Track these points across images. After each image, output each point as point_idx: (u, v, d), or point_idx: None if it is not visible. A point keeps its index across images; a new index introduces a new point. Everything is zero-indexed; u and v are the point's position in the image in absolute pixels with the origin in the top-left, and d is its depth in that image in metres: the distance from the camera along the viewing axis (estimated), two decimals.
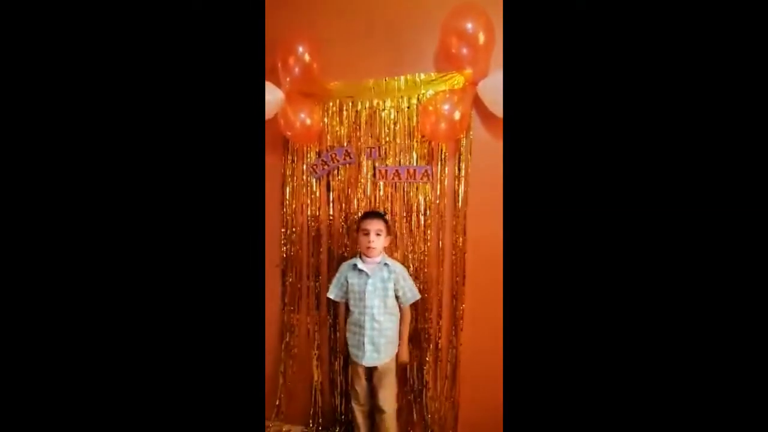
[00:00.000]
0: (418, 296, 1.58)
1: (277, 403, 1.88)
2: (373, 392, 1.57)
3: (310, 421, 1.85)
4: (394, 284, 1.53)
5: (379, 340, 1.50)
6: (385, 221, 1.55)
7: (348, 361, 1.66)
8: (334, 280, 1.62)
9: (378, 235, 1.50)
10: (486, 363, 1.62)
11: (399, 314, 1.57)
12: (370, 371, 1.55)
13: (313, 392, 1.85)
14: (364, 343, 1.50)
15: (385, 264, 1.53)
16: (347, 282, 1.56)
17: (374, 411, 1.58)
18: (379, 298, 1.51)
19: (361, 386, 1.58)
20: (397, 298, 1.55)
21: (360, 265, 1.53)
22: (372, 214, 1.56)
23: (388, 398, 1.54)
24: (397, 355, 1.56)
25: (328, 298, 1.63)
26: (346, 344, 1.59)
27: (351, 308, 1.56)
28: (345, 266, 1.60)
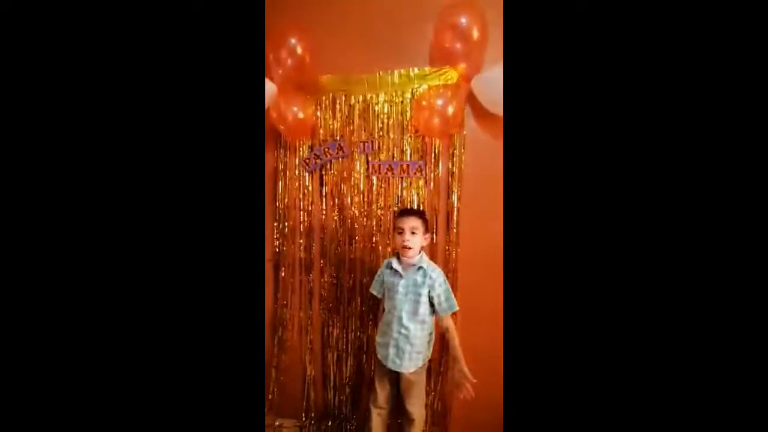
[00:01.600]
0: (456, 307, 1.43)
1: (269, 397, 1.89)
2: (400, 399, 1.51)
3: (303, 415, 1.86)
4: (429, 290, 1.41)
5: (405, 346, 1.41)
6: (423, 218, 1.44)
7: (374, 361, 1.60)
8: (376, 275, 1.56)
9: (413, 233, 1.38)
10: (477, 359, 1.63)
11: (431, 323, 1.46)
12: (396, 376, 1.48)
13: (306, 386, 1.86)
14: (388, 344, 1.43)
15: (421, 267, 1.41)
16: (384, 279, 1.50)
17: (401, 416, 1.53)
18: (410, 302, 1.40)
19: (383, 388, 1.51)
20: (432, 306, 1.43)
21: (395, 265, 1.43)
22: (407, 211, 1.46)
23: (416, 407, 1.49)
24: (454, 378, 1.42)
25: (355, 290, 1.55)
26: (365, 343, 1.50)
27: (385, 305, 1.50)
28: (385, 263, 1.52)
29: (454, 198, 1.62)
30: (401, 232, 1.40)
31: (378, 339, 1.50)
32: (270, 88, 1.59)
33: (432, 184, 1.64)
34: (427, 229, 1.46)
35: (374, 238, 1.72)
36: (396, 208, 1.68)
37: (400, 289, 1.42)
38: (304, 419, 1.86)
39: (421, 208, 1.65)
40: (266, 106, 1.63)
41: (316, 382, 1.86)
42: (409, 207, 1.63)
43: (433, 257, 1.66)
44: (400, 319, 1.41)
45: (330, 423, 1.82)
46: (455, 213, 1.62)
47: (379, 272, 1.54)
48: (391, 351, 1.42)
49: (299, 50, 1.58)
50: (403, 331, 1.41)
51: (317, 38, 1.64)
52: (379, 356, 1.48)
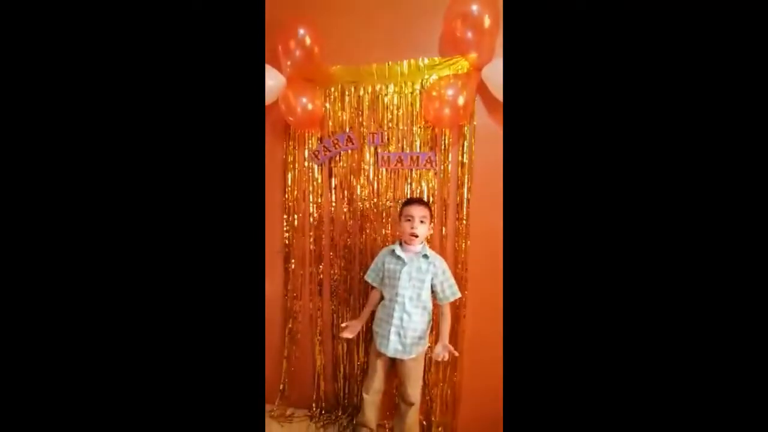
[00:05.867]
0: (458, 294, 1.49)
1: (280, 387, 1.91)
2: (399, 384, 1.55)
3: (314, 405, 1.89)
4: (432, 278, 1.45)
5: (407, 333, 1.44)
6: (430, 209, 1.48)
7: (369, 350, 1.65)
8: (373, 264, 1.58)
9: (422, 222, 1.43)
10: (487, 350, 1.64)
11: (431, 309, 1.49)
12: (393, 362, 1.52)
13: (316, 377, 1.88)
14: (389, 332, 1.45)
15: (425, 255, 1.45)
16: (384, 266, 1.51)
17: (400, 400, 1.56)
18: (413, 288, 1.44)
19: (379, 377, 1.54)
20: (434, 293, 1.48)
21: (398, 251, 1.46)
22: (416, 200, 1.49)
23: (415, 392, 1.52)
24: (431, 349, 1.47)
25: (365, 281, 1.60)
26: (370, 331, 1.53)
27: (384, 294, 1.52)
28: (384, 251, 1.55)
29: (464, 189, 1.61)
30: (410, 219, 1.43)
31: (376, 329, 1.53)
32: (279, 79, 1.59)
33: (442, 176, 1.63)
34: (431, 221, 1.49)
35: (384, 230, 1.72)
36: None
37: (403, 275, 1.44)
38: (314, 409, 1.88)
39: (430, 200, 1.65)
40: (275, 98, 1.62)
41: (326, 372, 1.87)
42: (417, 197, 1.64)
43: (442, 248, 1.66)
44: (402, 305, 1.44)
45: (340, 413, 1.84)
46: (465, 204, 1.62)
47: (376, 260, 1.56)
48: (393, 339, 1.45)
49: (308, 41, 1.56)
50: (405, 317, 1.44)
51: (326, 29, 1.62)
52: (378, 346, 1.50)
